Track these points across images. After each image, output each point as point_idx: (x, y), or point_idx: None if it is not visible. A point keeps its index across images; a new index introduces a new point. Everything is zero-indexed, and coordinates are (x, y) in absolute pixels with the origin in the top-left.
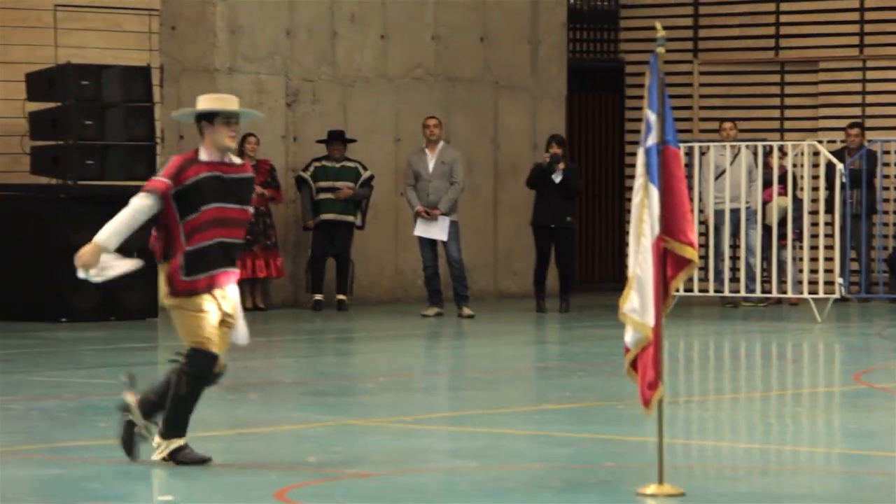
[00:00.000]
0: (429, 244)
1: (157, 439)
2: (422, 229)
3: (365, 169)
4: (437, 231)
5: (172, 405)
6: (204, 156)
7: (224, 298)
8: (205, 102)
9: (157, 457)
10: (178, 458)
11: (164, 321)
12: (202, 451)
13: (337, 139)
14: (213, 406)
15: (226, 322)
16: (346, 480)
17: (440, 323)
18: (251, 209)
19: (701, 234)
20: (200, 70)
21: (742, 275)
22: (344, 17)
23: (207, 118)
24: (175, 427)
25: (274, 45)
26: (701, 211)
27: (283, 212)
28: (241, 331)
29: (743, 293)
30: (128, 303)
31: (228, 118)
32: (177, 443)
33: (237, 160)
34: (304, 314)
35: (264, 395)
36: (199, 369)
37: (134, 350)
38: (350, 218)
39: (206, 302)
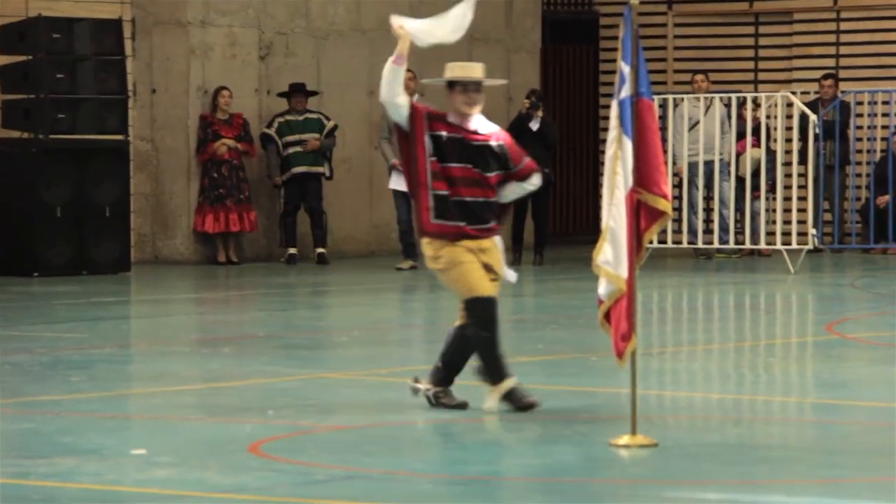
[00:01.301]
0: (404, 197)
1: (490, 388)
2: (397, 182)
3: (328, 119)
4: None
5: (482, 357)
6: (451, 118)
7: (481, 251)
8: (448, 71)
9: (492, 403)
10: (512, 398)
11: (137, 275)
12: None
13: (299, 91)
14: (186, 360)
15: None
16: (319, 433)
17: (415, 276)
18: (490, 174)
19: (674, 186)
20: (172, 23)
21: (715, 226)
22: None
23: (450, 85)
24: (497, 373)
25: None
26: (675, 163)
27: (257, 166)
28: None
29: (716, 245)
30: (99, 257)
31: (466, 86)
32: (508, 384)
33: (483, 128)
34: (277, 268)
35: (237, 349)
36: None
37: (106, 304)
38: (320, 169)
39: (462, 252)
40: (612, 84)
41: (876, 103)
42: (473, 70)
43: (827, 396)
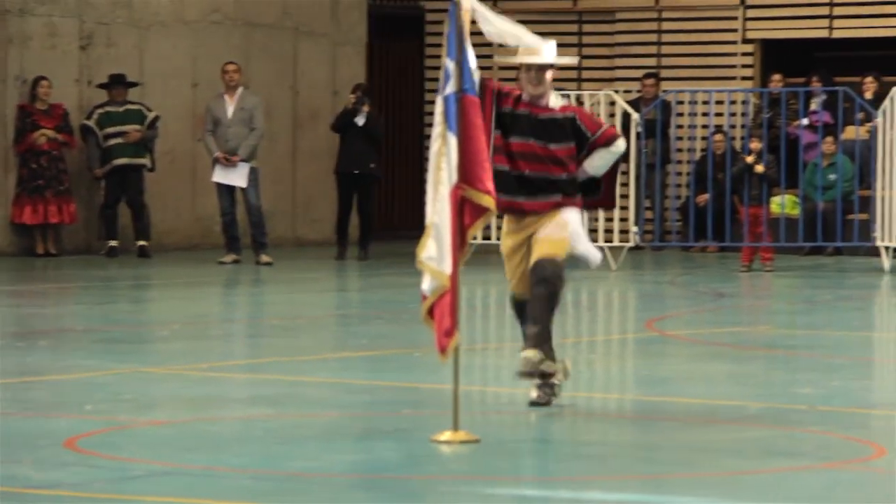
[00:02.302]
0: (227, 191)
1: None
2: (221, 175)
3: (149, 110)
4: (237, 177)
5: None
6: (524, 95)
7: (526, 228)
8: (519, 54)
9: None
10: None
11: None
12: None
13: (118, 83)
14: (2, 354)
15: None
16: (138, 428)
17: (238, 270)
18: (555, 146)
19: None
20: None
21: None
22: None
23: (519, 65)
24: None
25: None
26: None
27: (77, 157)
28: (590, 252)
29: None
30: None
31: (529, 66)
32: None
33: (552, 103)
34: (97, 261)
35: (54, 343)
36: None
37: None
38: (142, 161)
39: (505, 242)
40: (437, 80)
41: (696, 103)
42: (540, 52)
43: (647, 393)
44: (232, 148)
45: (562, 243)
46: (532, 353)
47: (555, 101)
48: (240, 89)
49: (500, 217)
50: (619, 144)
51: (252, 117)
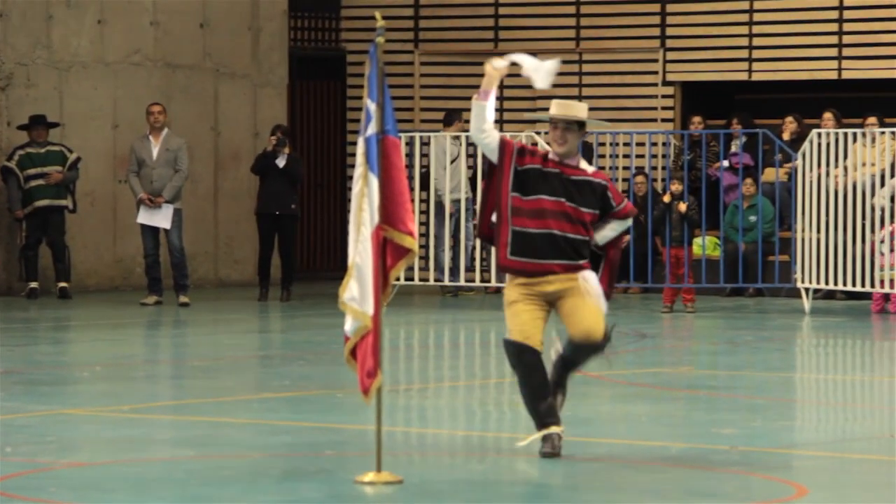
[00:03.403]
0: (150, 232)
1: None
2: (145, 217)
3: (71, 152)
4: (161, 219)
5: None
6: (551, 154)
7: (545, 286)
8: (551, 108)
9: (524, 442)
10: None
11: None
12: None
13: (39, 124)
14: None
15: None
16: (59, 470)
17: (159, 311)
18: (585, 210)
19: (422, 224)
20: None
21: (462, 264)
22: (59, 1)
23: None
24: (533, 417)
25: None
26: (423, 201)
27: None
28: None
29: (463, 282)
30: None
31: (556, 124)
32: (541, 433)
33: (582, 165)
34: (17, 302)
35: None
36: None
37: None
38: (63, 202)
39: (518, 293)
40: (358, 121)
41: (617, 144)
42: (569, 108)
43: (570, 433)
44: (156, 189)
45: (602, 318)
46: (560, 430)
47: (586, 164)
48: (165, 131)
49: (514, 275)
50: (629, 221)
51: (177, 159)
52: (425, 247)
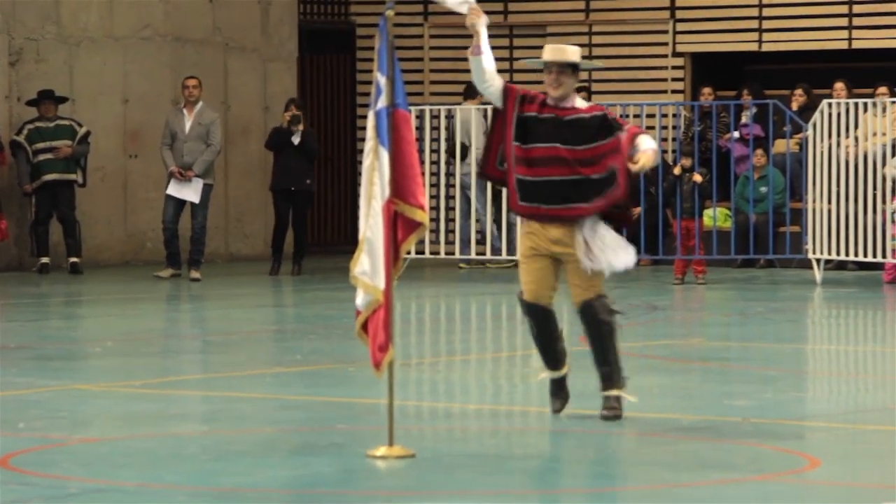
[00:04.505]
0: (174, 204)
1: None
2: (175, 189)
3: (80, 126)
4: (190, 192)
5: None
6: (548, 99)
7: (554, 243)
8: (544, 53)
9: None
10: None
11: None
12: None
13: (47, 98)
14: None
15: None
16: (71, 446)
17: (172, 286)
18: (582, 147)
19: (432, 197)
20: None
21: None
22: None
23: (545, 67)
24: (543, 360)
25: None
26: (433, 174)
27: (8, 174)
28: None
29: (482, 255)
30: None
31: (550, 68)
32: (544, 374)
33: (577, 104)
34: (29, 277)
35: None
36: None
37: None
38: (72, 176)
39: (528, 248)
40: (369, 94)
41: (627, 116)
42: (561, 52)
43: (580, 406)
44: (187, 163)
45: (598, 278)
46: (616, 392)
47: (581, 102)
48: (199, 104)
49: (526, 220)
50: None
51: (209, 133)
52: (436, 220)
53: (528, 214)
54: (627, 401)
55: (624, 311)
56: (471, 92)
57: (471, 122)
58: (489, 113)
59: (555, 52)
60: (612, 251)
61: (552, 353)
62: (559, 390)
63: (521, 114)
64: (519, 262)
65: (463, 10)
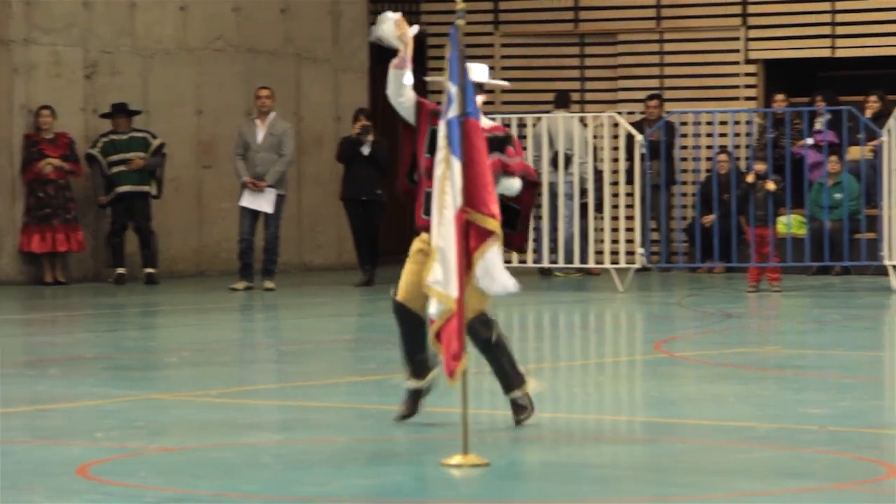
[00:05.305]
0: (250, 216)
1: None
2: (248, 200)
3: (154, 137)
4: (264, 203)
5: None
6: None
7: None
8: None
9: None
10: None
11: None
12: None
13: (120, 112)
14: (12, 382)
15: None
16: (148, 455)
17: (247, 296)
18: (498, 158)
19: None
20: None
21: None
22: None
23: None
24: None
25: (71, 17)
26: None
27: (84, 185)
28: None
29: (555, 264)
30: None
31: None
32: (409, 383)
33: (484, 123)
34: (105, 288)
35: (65, 371)
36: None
37: None
38: (146, 188)
39: (413, 252)
40: (439, 104)
41: (700, 124)
42: (468, 71)
43: (656, 415)
44: (260, 173)
45: (475, 299)
46: (518, 392)
47: (485, 121)
48: (271, 115)
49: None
50: (516, 184)
51: (281, 143)
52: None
53: (426, 227)
54: (536, 392)
55: (495, 320)
56: (562, 100)
57: (559, 129)
58: (576, 122)
59: (473, 72)
60: (491, 274)
61: (415, 360)
62: (411, 400)
63: (433, 127)
64: (409, 258)
65: (398, 45)
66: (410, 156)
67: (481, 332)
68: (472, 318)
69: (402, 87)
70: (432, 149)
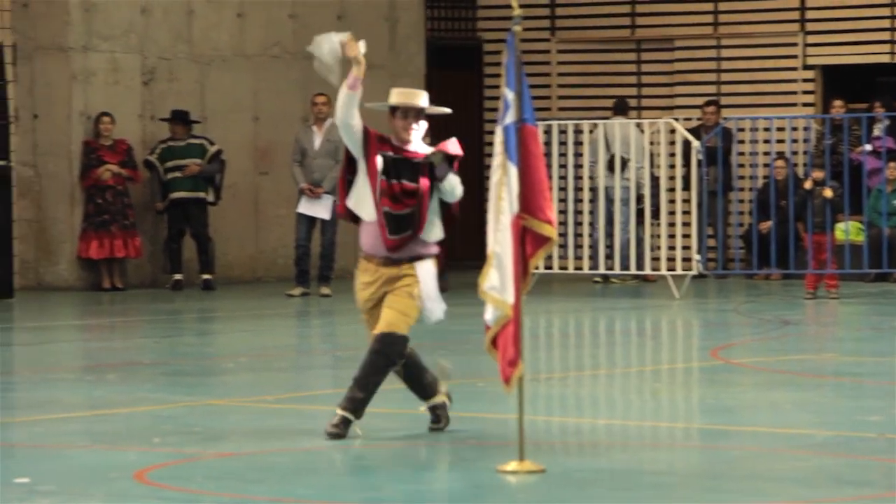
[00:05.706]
0: (307, 223)
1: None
2: (305, 207)
3: (212, 144)
4: (321, 209)
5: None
6: (394, 140)
7: (385, 281)
8: (392, 96)
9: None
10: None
11: (20, 302)
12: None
13: (178, 119)
14: (70, 387)
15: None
16: (205, 460)
17: (303, 302)
18: (419, 182)
19: (561, 212)
20: (54, 48)
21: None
22: None
23: (391, 110)
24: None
25: (129, 24)
26: (562, 188)
27: (141, 192)
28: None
29: (611, 270)
30: None
31: (406, 112)
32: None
33: (419, 150)
34: (163, 294)
35: (123, 376)
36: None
37: None
38: (202, 194)
39: (363, 273)
40: (496, 110)
41: (757, 130)
42: (414, 97)
43: (712, 422)
44: (317, 179)
45: (407, 314)
46: (343, 413)
47: (422, 147)
48: (328, 121)
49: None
50: (458, 188)
51: (337, 149)
52: (564, 234)
53: (395, 246)
54: (354, 427)
55: (398, 365)
56: (621, 107)
57: (615, 135)
58: (633, 128)
59: (405, 96)
60: (428, 298)
61: (423, 384)
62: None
63: (383, 152)
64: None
65: (335, 66)
66: (346, 181)
67: (388, 350)
68: (389, 332)
69: (353, 108)
70: (386, 171)
